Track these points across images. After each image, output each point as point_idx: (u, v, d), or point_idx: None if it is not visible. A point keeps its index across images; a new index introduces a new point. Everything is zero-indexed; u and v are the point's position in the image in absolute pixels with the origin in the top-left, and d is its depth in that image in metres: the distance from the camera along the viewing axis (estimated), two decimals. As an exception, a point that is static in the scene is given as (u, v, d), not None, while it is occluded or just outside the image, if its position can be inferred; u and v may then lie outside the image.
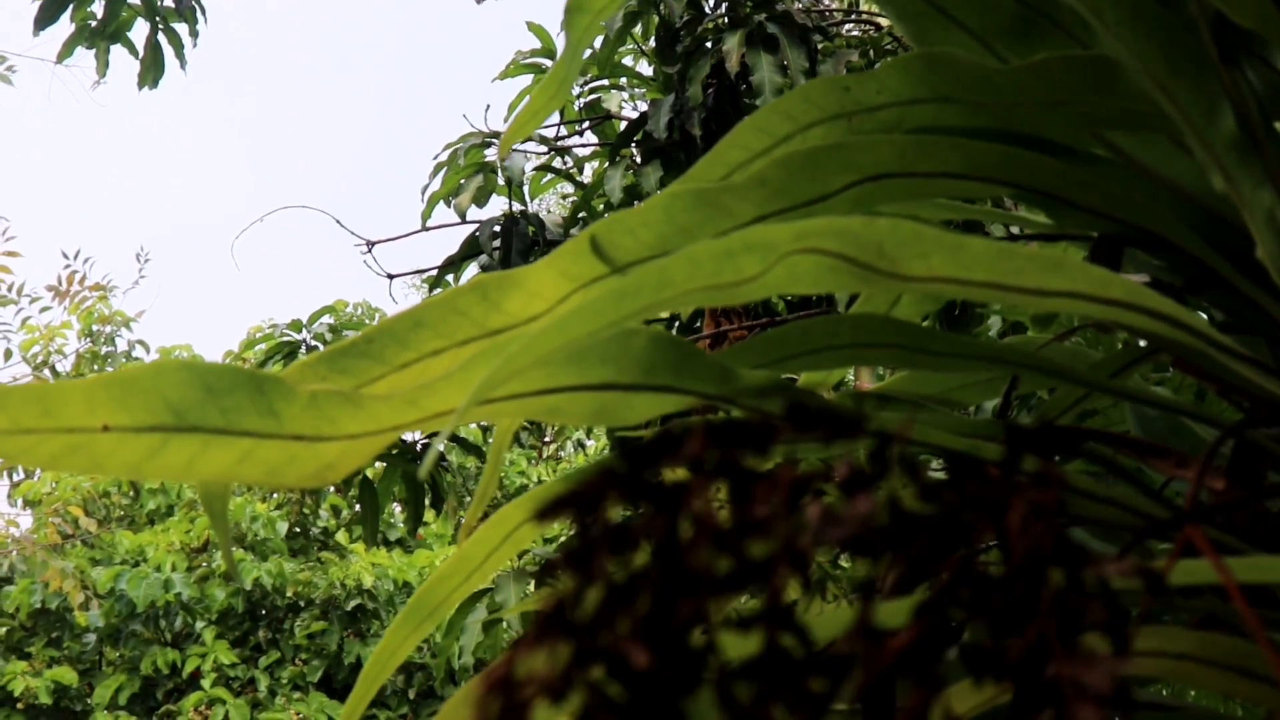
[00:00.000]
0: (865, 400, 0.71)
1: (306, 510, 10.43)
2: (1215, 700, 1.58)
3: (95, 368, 11.75)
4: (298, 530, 10.37)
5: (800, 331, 0.71)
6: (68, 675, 8.65)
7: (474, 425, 8.80)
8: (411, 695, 9.26)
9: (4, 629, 8.90)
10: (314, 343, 3.75)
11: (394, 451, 3.65)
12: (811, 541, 0.26)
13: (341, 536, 10.38)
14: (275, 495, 10.60)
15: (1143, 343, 0.77)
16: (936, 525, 0.27)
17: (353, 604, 9.32)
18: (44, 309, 10.86)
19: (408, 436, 3.78)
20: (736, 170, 0.77)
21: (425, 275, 3.86)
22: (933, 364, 0.69)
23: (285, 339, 3.77)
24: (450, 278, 3.54)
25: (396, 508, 10.07)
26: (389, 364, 0.68)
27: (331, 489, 10.48)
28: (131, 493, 11.08)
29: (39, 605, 8.75)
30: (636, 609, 0.24)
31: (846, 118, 0.75)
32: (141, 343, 12.59)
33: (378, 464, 3.70)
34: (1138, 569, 0.27)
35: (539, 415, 0.65)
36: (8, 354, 10.82)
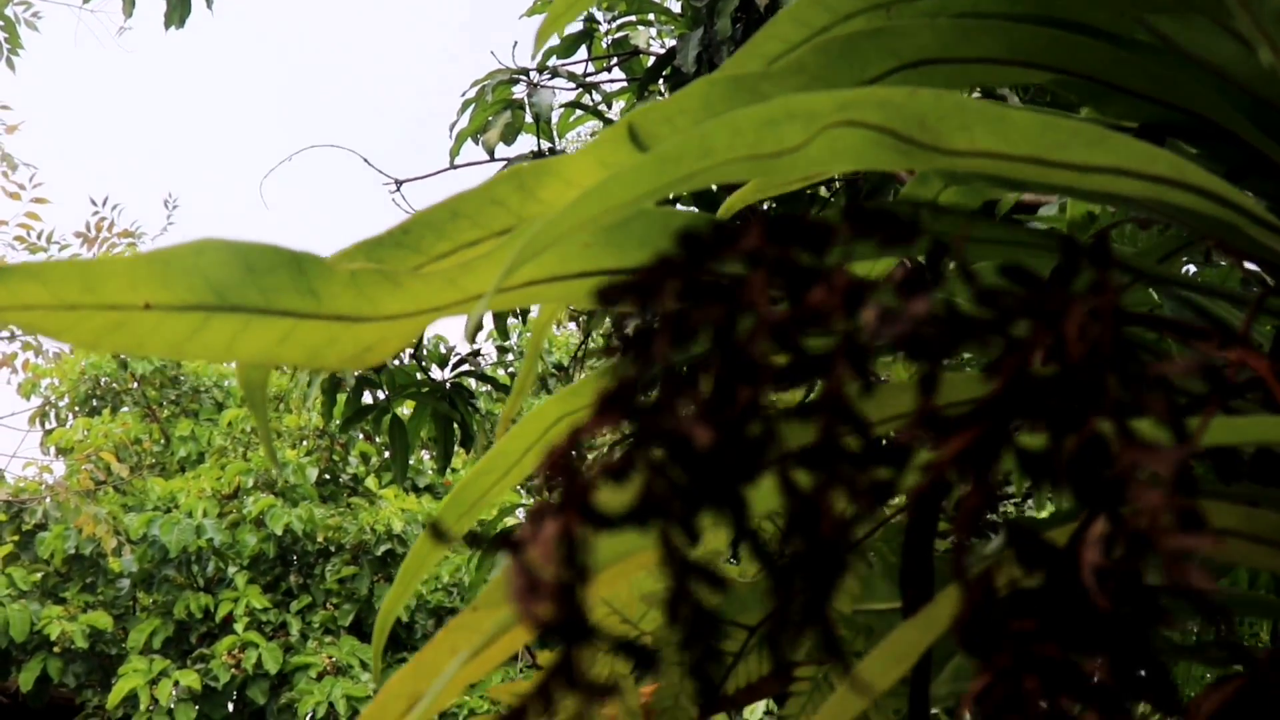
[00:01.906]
0: (921, 209, 0.70)
1: (336, 457, 10.50)
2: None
3: (125, 316, 11.76)
4: (327, 477, 10.44)
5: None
6: (102, 620, 8.75)
7: (503, 372, 8.81)
8: (441, 639, 9.33)
9: (39, 575, 9.00)
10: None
11: (424, 390, 3.66)
12: (870, 337, 0.26)
13: (371, 482, 10.45)
14: (305, 442, 10.67)
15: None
16: (992, 328, 0.27)
17: (383, 549, 9.38)
18: (73, 256, 10.89)
19: (437, 375, 3.80)
20: (774, 63, 0.76)
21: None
22: (976, 252, 0.68)
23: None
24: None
25: (425, 455, 10.12)
26: (425, 254, 0.68)
27: (360, 436, 10.55)
28: (162, 440, 11.17)
29: (73, 551, 8.84)
30: (697, 394, 0.24)
31: (885, 7, 0.74)
32: (170, 291, 12.63)
33: (408, 403, 3.71)
34: (1201, 366, 0.27)
35: (577, 300, 0.65)
36: (38, 302, 10.84)
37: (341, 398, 3.75)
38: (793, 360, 0.25)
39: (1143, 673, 0.29)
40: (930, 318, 0.27)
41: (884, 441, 0.26)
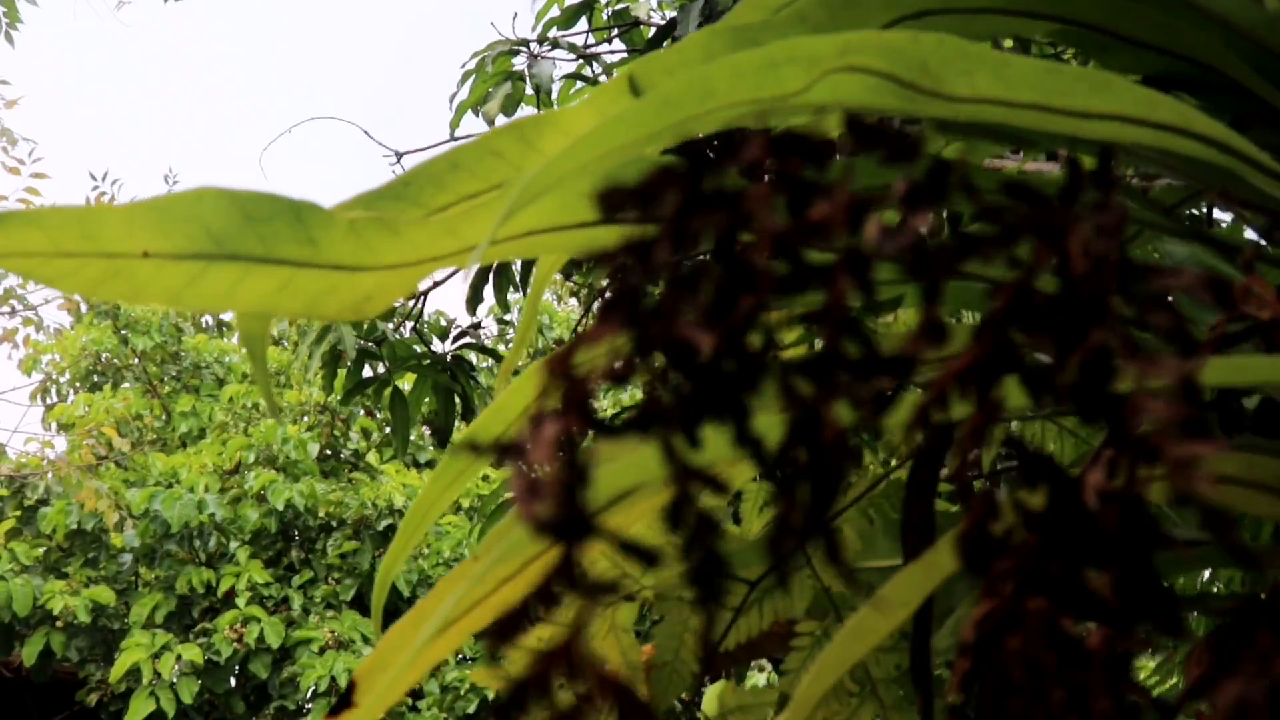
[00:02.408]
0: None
1: (337, 433, 10.51)
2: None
3: (125, 292, 11.76)
4: (329, 453, 10.45)
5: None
6: (105, 594, 8.77)
7: (504, 346, 8.81)
8: (443, 614, 9.36)
9: (41, 550, 9.01)
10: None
11: (425, 363, 3.66)
12: (872, 251, 0.26)
13: (372, 458, 10.47)
14: (306, 418, 10.68)
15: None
16: (996, 244, 0.27)
17: (384, 524, 9.40)
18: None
19: (438, 348, 3.79)
20: (777, 14, 0.76)
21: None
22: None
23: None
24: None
25: (426, 431, 10.12)
26: (425, 207, 0.68)
27: (361, 412, 10.55)
28: (163, 416, 11.18)
29: (75, 526, 8.85)
30: (698, 302, 0.24)
31: (887, -41, 0.73)
32: (171, 267, 12.62)
33: (409, 375, 3.71)
34: (1206, 281, 0.26)
35: (579, 250, 0.65)
36: (39, 277, 10.85)
37: (342, 371, 3.75)
38: (794, 271, 0.25)
39: (1146, 595, 0.28)
40: (933, 233, 0.26)
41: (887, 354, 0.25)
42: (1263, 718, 0.22)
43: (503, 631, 0.23)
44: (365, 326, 3.68)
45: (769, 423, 0.26)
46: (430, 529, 0.80)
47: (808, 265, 0.25)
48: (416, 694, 9.08)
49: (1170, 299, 0.26)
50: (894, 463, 0.80)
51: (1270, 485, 0.56)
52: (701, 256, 0.26)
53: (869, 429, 0.25)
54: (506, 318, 7.80)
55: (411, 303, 3.83)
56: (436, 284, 3.55)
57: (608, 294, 0.23)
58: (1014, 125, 0.62)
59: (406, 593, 9.24)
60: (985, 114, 0.58)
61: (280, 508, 9.21)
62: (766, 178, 0.26)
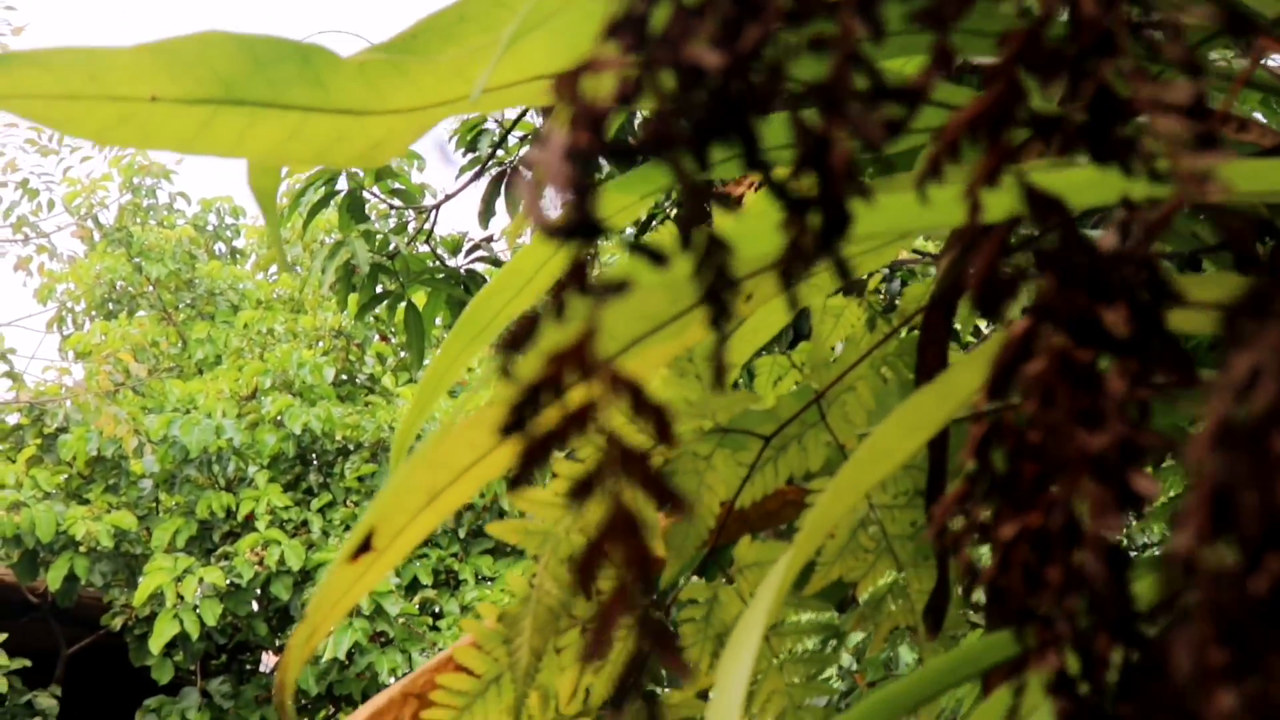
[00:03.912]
0: None
1: (352, 357, 10.54)
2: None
3: (138, 220, 11.80)
4: (344, 377, 10.49)
5: None
6: (127, 520, 8.83)
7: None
8: (461, 535, 9.43)
9: (63, 477, 9.08)
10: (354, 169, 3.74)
11: (438, 277, 3.66)
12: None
13: (388, 381, 10.50)
14: (321, 343, 10.71)
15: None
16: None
17: (402, 447, 9.44)
18: (84, 159, 10.87)
19: (451, 263, 3.79)
20: None
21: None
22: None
23: (324, 169, 3.75)
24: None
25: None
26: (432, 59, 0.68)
27: (376, 337, 10.58)
28: (179, 343, 11.22)
29: (95, 453, 8.91)
30: (705, 28, 0.24)
31: None
32: (183, 194, 12.64)
33: (423, 290, 3.71)
34: (1227, 16, 0.26)
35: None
36: (50, 204, 10.89)
37: (353, 298, 3.76)
38: (800, 3, 0.25)
39: (1158, 338, 0.28)
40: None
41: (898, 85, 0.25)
42: (1275, 383, 0.22)
43: (514, 343, 0.23)
44: (379, 241, 3.68)
45: (781, 156, 0.26)
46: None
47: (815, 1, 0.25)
48: (437, 614, 9.18)
49: (1181, 29, 0.26)
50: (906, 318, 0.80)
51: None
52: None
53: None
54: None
55: (425, 218, 3.82)
56: (449, 196, 3.54)
57: (612, 18, 0.23)
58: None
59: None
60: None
61: (298, 432, 9.26)
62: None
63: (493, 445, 0.65)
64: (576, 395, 0.26)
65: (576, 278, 0.22)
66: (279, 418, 9.40)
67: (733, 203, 0.23)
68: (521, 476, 0.28)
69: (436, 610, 9.21)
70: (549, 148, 0.22)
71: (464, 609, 9.07)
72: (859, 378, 0.78)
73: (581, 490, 0.26)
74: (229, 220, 13.09)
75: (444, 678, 0.74)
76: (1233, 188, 0.25)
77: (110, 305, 11.66)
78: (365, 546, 0.62)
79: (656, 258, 0.22)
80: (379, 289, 3.77)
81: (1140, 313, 0.27)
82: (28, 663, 8.33)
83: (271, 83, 0.58)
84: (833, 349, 0.96)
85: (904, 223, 0.46)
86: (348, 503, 9.57)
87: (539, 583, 0.72)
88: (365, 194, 3.72)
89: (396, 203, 3.88)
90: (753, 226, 0.37)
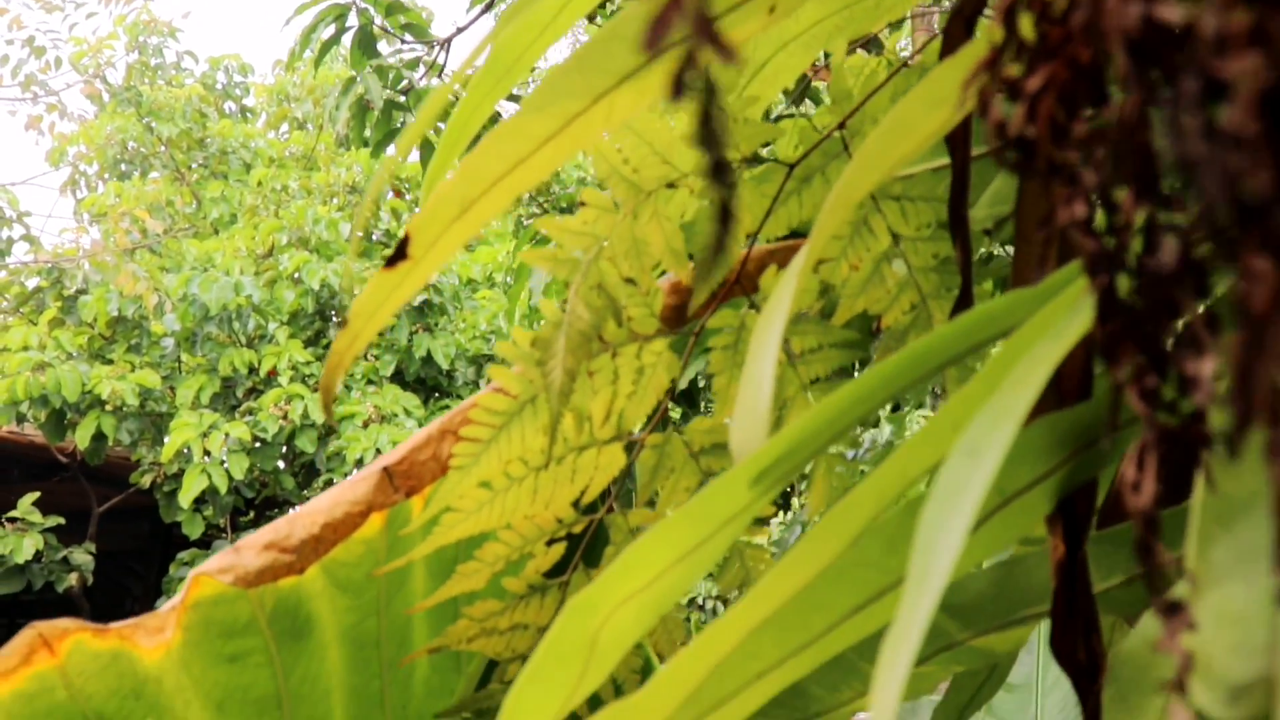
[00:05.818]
0: None
1: (368, 212, 10.53)
2: None
3: (146, 80, 11.72)
4: (360, 234, 10.49)
5: None
6: (150, 378, 8.92)
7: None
8: (481, 385, 9.51)
9: (85, 338, 9.15)
10: (364, 3, 3.70)
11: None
12: None
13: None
14: (335, 200, 10.70)
15: None
16: None
17: (419, 299, 9.48)
18: (89, 15, 10.75)
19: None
20: None
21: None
22: None
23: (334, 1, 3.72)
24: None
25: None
26: None
27: (391, 193, 10.54)
28: (194, 202, 11.22)
29: (116, 314, 8.96)
30: None
31: None
32: (190, 53, 12.52)
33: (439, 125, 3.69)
34: None
35: None
36: (58, 62, 10.80)
37: (363, 150, 3.74)
38: None
39: None
40: None
41: None
42: None
43: None
44: (392, 77, 3.65)
45: None
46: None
47: None
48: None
49: None
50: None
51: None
52: None
53: None
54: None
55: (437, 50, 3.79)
56: (459, 30, 3.51)
57: None
58: None
59: (446, 365, 9.38)
60: None
61: (316, 287, 9.30)
62: None
63: (526, 153, 0.66)
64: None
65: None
66: (296, 274, 9.43)
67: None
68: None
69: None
70: None
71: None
72: (880, 109, 0.79)
73: None
74: (238, 78, 12.99)
75: (482, 398, 0.76)
76: None
77: (123, 166, 11.63)
78: (401, 254, 0.64)
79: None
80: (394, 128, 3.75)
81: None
82: (61, 520, 8.49)
83: None
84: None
85: None
86: (368, 356, 9.64)
87: (571, 307, 0.74)
88: (376, 27, 3.69)
89: (408, 38, 3.84)
90: None
